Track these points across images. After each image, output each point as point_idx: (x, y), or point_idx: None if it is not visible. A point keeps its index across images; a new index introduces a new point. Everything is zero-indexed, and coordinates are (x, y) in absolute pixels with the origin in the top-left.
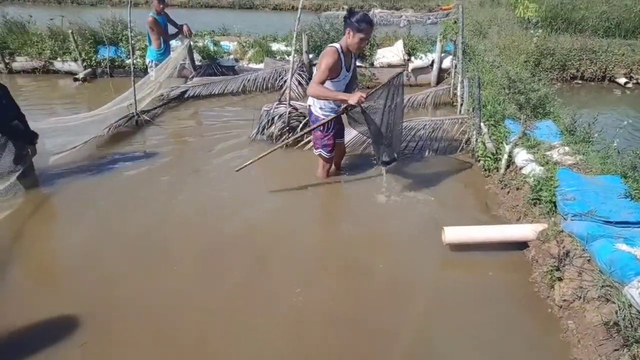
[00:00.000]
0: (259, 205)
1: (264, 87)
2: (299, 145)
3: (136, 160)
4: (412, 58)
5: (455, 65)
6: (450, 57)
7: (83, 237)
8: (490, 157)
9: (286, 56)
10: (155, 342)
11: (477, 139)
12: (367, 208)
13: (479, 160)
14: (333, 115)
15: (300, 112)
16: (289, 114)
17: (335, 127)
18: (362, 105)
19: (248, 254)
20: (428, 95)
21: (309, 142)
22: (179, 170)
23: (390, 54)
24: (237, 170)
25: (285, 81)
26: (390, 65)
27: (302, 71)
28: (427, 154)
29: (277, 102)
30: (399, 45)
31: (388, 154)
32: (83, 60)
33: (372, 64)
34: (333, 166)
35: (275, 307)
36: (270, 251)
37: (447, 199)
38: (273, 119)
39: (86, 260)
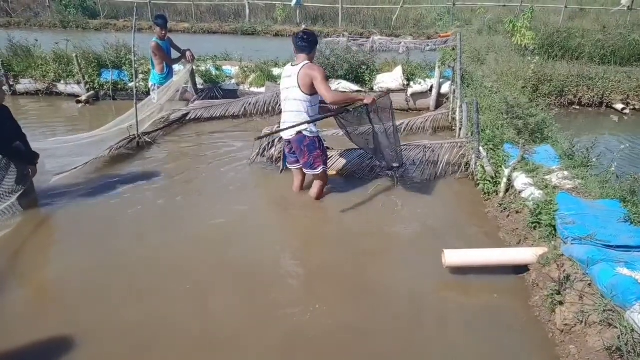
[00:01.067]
0: (256, 227)
1: (265, 110)
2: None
3: (136, 181)
4: (411, 83)
5: (454, 91)
6: (449, 82)
7: (81, 258)
8: (489, 181)
9: None
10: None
11: (476, 163)
12: (366, 230)
13: (478, 184)
14: (317, 133)
15: None
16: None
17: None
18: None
19: (246, 276)
20: (427, 120)
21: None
22: (179, 192)
23: (389, 79)
24: (257, 139)
25: None
26: (389, 90)
27: None
28: (426, 177)
29: (278, 125)
30: (398, 70)
31: (386, 158)
32: (86, 83)
33: (371, 89)
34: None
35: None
36: (267, 270)
37: (446, 222)
38: (273, 141)
39: (84, 283)
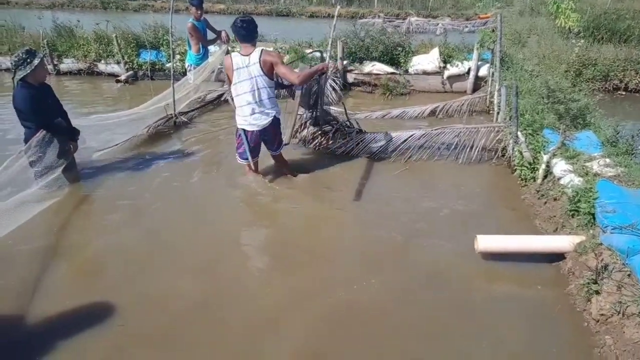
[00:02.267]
0: (289, 208)
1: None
2: (330, 150)
3: (172, 159)
4: (448, 66)
5: (492, 74)
6: (487, 65)
7: (120, 232)
8: (527, 167)
9: (320, 62)
10: (190, 335)
11: (513, 148)
12: (399, 212)
13: (515, 170)
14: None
15: (334, 117)
16: (323, 118)
17: None
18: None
19: (284, 253)
20: (463, 103)
21: (339, 147)
22: (213, 170)
23: (425, 61)
24: (287, 144)
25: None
26: (425, 73)
27: (336, 77)
28: (461, 161)
29: (310, 107)
30: (434, 52)
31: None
32: (125, 63)
33: (406, 71)
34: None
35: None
36: (309, 253)
37: (481, 207)
38: (306, 122)
39: (124, 255)
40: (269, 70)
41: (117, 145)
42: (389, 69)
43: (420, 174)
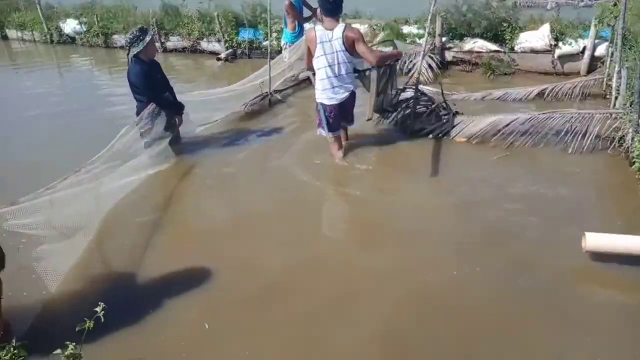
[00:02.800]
0: (378, 188)
1: None
2: (423, 133)
3: (266, 136)
4: (560, 44)
5: (612, 53)
6: (606, 43)
7: (217, 201)
8: None
9: (417, 39)
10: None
11: (633, 138)
12: (498, 200)
13: (633, 162)
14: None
15: (429, 98)
16: (416, 99)
17: None
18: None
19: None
20: (576, 85)
21: (433, 129)
22: (303, 147)
23: (534, 38)
24: (368, 120)
25: (414, 65)
26: (532, 51)
27: (434, 54)
28: (570, 150)
29: (404, 86)
30: (545, 29)
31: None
32: (225, 42)
33: (512, 49)
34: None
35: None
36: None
37: (591, 202)
38: (399, 102)
39: (216, 223)
40: (350, 46)
41: (216, 121)
42: (493, 47)
43: (523, 161)
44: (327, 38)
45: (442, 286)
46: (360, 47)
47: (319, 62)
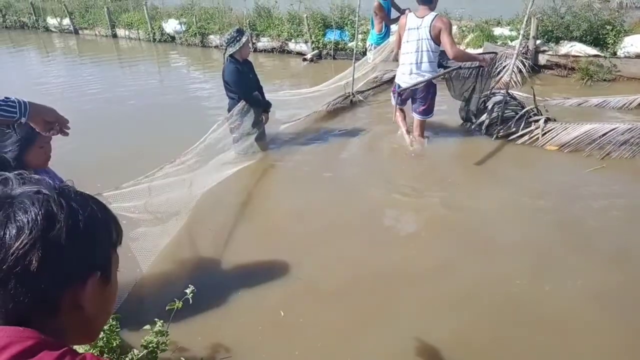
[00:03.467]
0: (468, 196)
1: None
2: (511, 139)
3: (348, 137)
4: None
5: None
6: None
7: (300, 197)
8: None
9: (509, 41)
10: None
11: None
12: (591, 214)
13: None
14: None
15: (518, 102)
16: (505, 102)
17: None
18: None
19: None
20: None
21: (522, 135)
22: (385, 148)
23: None
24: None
25: (504, 67)
26: (638, 56)
27: (526, 58)
28: None
29: (492, 90)
30: None
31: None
32: (312, 43)
33: (614, 54)
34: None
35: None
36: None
37: None
38: (486, 107)
39: (299, 217)
40: (436, 35)
41: (299, 119)
42: (592, 51)
43: (621, 173)
44: (415, 25)
45: (524, 299)
46: (444, 37)
47: (404, 48)
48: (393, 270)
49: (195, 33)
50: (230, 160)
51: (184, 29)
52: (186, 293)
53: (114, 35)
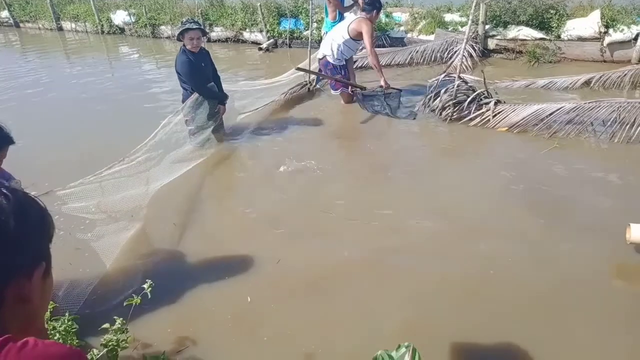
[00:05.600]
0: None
1: (432, 59)
2: (464, 121)
3: (306, 125)
4: (610, 31)
5: None
6: None
7: (261, 189)
8: None
9: (459, 27)
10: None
11: None
12: (545, 193)
13: None
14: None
15: (470, 86)
16: (457, 87)
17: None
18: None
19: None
20: (626, 74)
21: (474, 117)
22: (346, 136)
23: (582, 26)
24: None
25: (455, 52)
26: (580, 39)
27: (476, 42)
28: (616, 140)
29: (444, 74)
30: (594, 15)
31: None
32: (267, 32)
33: (558, 37)
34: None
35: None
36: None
37: (636, 194)
38: (439, 92)
39: (261, 210)
40: (368, 33)
41: (257, 109)
42: (538, 34)
43: (576, 153)
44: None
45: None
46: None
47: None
48: (361, 260)
49: (146, 24)
50: (187, 154)
51: (133, 20)
52: (144, 288)
53: (60, 28)
